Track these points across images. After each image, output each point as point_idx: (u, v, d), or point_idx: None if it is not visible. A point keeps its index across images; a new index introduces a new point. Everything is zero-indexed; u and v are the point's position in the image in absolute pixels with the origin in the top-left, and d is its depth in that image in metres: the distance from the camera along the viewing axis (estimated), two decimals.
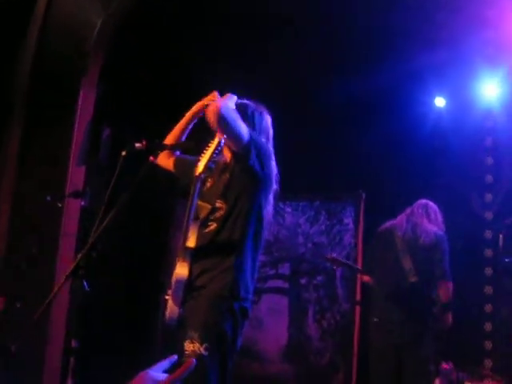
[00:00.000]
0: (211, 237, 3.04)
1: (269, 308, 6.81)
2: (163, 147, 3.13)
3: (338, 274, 6.67)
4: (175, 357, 1.63)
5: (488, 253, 6.34)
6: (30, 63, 5.65)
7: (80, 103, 5.59)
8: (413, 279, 4.69)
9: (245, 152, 2.97)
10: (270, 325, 6.80)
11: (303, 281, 6.84)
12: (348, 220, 6.77)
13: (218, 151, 2.91)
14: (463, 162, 6.71)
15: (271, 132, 3.33)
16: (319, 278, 6.77)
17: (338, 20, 6.12)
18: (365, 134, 6.58)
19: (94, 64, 5.74)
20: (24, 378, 4.99)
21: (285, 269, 6.91)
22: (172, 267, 3.04)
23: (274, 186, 3.21)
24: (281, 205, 6.61)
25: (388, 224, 5.03)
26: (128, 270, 6.46)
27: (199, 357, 2.80)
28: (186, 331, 2.92)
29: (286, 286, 6.90)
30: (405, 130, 6.52)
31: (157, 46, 6.21)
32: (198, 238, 3.02)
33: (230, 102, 3.02)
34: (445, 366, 5.32)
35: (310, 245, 6.85)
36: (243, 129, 2.96)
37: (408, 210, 5.01)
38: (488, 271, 6.30)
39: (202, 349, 2.83)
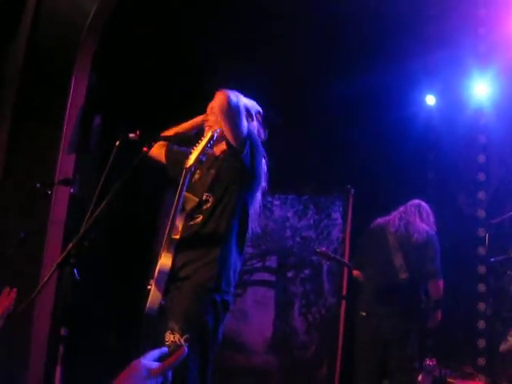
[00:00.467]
0: (197, 229, 3.06)
1: (254, 300, 6.83)
2: (157, 138, 3.13)
3: (324, 268, 6.70)
4: (166, 348, 1.64)
5: (481, 251, 6.38)
6: (23, 50, 5.61)
7: (72, 91, 5.57)
8: (403, 276, 4.73)
9: (240, 146, 3.00)
10: (256, 317, 6.82)
11: (290, 274, 6.87)
12: (336, 215, 6.80)
13: (210, 145, 2.93)
14: (454, 159, 6.76)
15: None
16: (306, 271, 6.80)
17: (332, 19, 6.13)
18: (356, 130, 6.61)
19: (87, 52, 5.72)
20: (9, 365, 4.98)
21: (272, 262, 6.92)
22: (158, 257, 3.05)
23: (263, 184, 3.24)
24: (269, 198, 6.62)
25: (380, 220, 5.06)
26: (116, 260, 6.45)
27: (179, 348, 2.81)
28: (168, 322, 2.92)
29: (273, 278, 6.92)
30: (396, 127, 6.55)
31: (151, 35, 6.19)
32: (184, 230, 3.04)
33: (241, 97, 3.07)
34: (428, 362, 5.37)
35: (297, 238, 6.87)
36: (244, 123, 3.00)
37: (401, 208, 5.04)
38: (481, 269, 6.34)
39: (182, 340, 2.84)
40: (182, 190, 2.97)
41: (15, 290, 2.96)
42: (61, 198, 5.49)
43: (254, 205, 3.21)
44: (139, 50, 6.22)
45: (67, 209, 5.51)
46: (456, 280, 5.83)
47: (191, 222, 3.07)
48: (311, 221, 6.86)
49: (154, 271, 3.02)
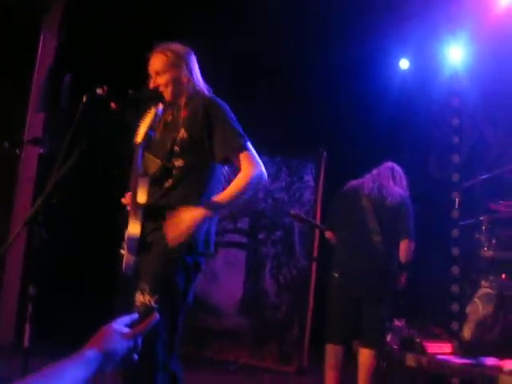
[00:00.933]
0: (166, 193, 3.00)
1: (225, 262, 6.84)
2: (125, 95, 3.08)
3: (296, 230, 6.73)
4: (136, 314, 1.66)
5: (454, 214, 6.45)
6: None
7: (40, 49, 5.48)
8: (376, 238, 4.75)
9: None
10: (226, 278, 6.84)
11: (261, 236, 6.88)
12: (308, 177, 6.80)
13: (156, 120, 2.90)
14: (428, 123, 6.79)
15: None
16: (278, 233, 6.82)
17: None
18: (331, 93, 6.60)
19: (55, 10, 5.62)
20: None
21: (243, 223, 6.92)
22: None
23: None
24: None
25: (354, 183, 5.06)
26: (86, 220, 6.41)
27: (149, 308, 2.79)
28: (138, 283, 2.91)
29: (244, 240, 6.93)
30: (370, 91, 6.55)
31: None
32: (150, 195, 2.98)
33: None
34: (397, 322, 5.45)
35: (269, 200, 6.88)
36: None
37: (374, 171, 5.04)
38: (454, 233, 6.41)
39: (152, 301, 2.82)
40: (136, 167, 2.95)
41: None
42: (30, 158, 5.44)
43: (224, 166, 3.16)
44: (108, 6, 6.11)
45: (37, 168, 5.47)
46: (430, 243, 5.89)
47: (160, 187, 3.01)
48: (283, 183, 6.86)
49: (124, 236, 2.99)
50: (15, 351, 4.77)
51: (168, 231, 2.83)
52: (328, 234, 5.20)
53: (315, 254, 6.61)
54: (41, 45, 5.44)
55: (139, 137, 2.93)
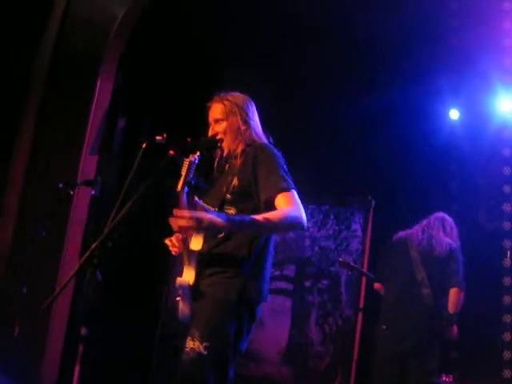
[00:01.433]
0: (221, 241, 2.98)
1: (271, 309, 6.80)
2: (184, 143, 3.12)
3: (342, 279, 6.67)
4: None
5: (506, 262, 6.34)
6: (50, 52, 5.67)
7: (97, 93, 5.62)
8: (425, 290, 4.69)
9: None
10: (272, 326, 6.79)
11: (308, 284, 6.84)
12: (356, 226, 6.77)
13: (192, 169, 2.92)
14: (478, 173, 6.72)
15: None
16: (324, 282, 6.77)
17: (356, 30, 6.13)
18: (380, 143, 6.58)
19: (113, 55, 5.77)
20: (25, 361, 5.01)
21: (289, 271, 6.89)
22: (177, 265, 3.03)
23: None
24: None
25: (402, 233, 5.03)
26: (137, 261, 6.46)
27: (198, 355, 2.79)
28: (190, 328, 2.90)
29: (290, 287, 6.89)
30: (419, 141, 6.52)
31: (178, 38, 6.23)
32: (206, 242, 2.98)
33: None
34: (444, 378, 5.32)
35: (316, 248, 6.85)
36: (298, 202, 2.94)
37: (424, 222, 5.01)
38: (506, 281, 6.29)
39: (201, 347, 2.81)
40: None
41: None
42: (82, 199, 5.53)
43: None
44: (165, 53, 6.26)
45: (88, 210, 5.55)
46: (481, 292, 5.79)
47: (214, 236, 3.00)
48: (330, 231, 6.84)
49: (175, 283, 2.99)
50: None
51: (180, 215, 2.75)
52: (376, 286, 5.16)
53: (362, 304, 6.53)
54: (98, 87, 5.57)
55: (179, 185, 2.95)
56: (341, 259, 5.48)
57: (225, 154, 3.13)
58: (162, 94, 6.33)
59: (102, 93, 5.65)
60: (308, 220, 6.86)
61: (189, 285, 2.94)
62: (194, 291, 2.95)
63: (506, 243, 6.38)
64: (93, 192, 5.12)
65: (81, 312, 3.72)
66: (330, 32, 6.24)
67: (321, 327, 6.68)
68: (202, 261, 2.98)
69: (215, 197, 3.09)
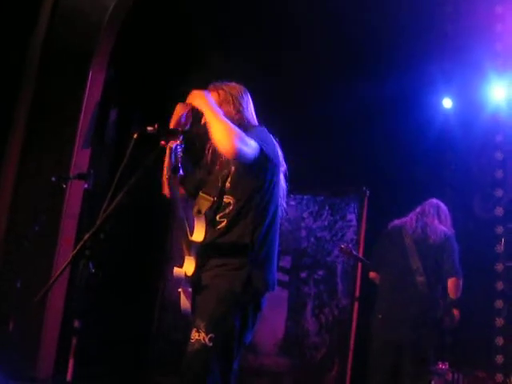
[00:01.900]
0: (222, 233, 2.96)
1: (268, 300, 6.79)
2: (175, 132, 3.09)
3: (338, 269, 6.67)
4: None
5: (498, 249, 6.33)
6: (40, 44, 5.64)
7: (88, 85, 5.59)
8: (420, 279, 4.69)
9: (260, 156, 2.88)
10: (268, 317, 6.77)
11: (303, 275, 6.83)
12: (351, 216, 6.76)
13: (174, 156, 2.88)
14: (471, 160, 6.71)
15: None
16: (320, 272, 6.77)
17: (349, 23, 6.12)
18: (373, 132, 6.58)
19: (105, 46, 5.74)
20: (20, 355, 5.00)
21: (285, 262, 6.89)
22: (175, 257, 3.01)
23: (282, 168, 3.11)
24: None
25: (397, 222, 5.01)
26: (129, 254, 6.45)
27: (203, 346, 2.78)
28: (195, 320, 2.89)
29: (286, 279, 6.89)
30: (412, 130, 6.51)
31: (169, 29, 6.20)
32: (207, 233, 2.95)
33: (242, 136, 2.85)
34: (441, 366, 5.32)
35: (312, 239, 6.85)
36: (254, 145, 2.84)
37: (418, 209, 4.99)
38: (499, 267, 6.29)
39: (206, 339, 2.79)
40: (175, 199, 2.98)
41: None
42: (75, 193, 5.51)
43: (279, 189, 3.09)
44: (156, 45, 6.23)
45: (81, 203, 5.53)
46: (474, 279, 5.78)
47: (215, 227, 2.98)
48: (326, 222, 6.83)
49: (177, 275, 2.98)
50: None
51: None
52: (372, 275, 5.15)
53: (357, 293, 6.53)
54: (89, 81, 5.54)
55: (163, 174, 2.99)
56: (342, 246, 5.43)
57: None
58: (153, 85, 6.30)
59: (94, 85, 5.62)
60: (303, 211, 6.89)
61: (185, 275, 2.92)
62: (193, 282, 2.93)
63: (499, 229, 6.37)
64: (86, 185, 5.10)
65: (74, 305, 3.71)
66: (324, 22, 6.22)
67: (317, 318, 6.68)
68: (205, 252, 2.96)
69: (214, 187, 3.07)
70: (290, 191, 3.25)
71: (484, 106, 6.69)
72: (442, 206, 5.01)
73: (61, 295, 5.43)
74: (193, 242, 2.94)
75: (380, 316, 4.77)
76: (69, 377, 3.13)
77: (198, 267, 2.94)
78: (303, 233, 6.80)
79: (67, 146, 5.50)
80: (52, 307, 5.35)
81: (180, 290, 2.98)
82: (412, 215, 4.98)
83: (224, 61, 6.05)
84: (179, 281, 2.95)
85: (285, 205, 3.20)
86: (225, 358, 2.83)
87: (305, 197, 6.87)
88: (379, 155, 6.75)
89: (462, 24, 6.22)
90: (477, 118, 6.68)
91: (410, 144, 6.60)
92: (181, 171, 2.90)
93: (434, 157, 6.72)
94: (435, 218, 4.90)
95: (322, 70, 6.59)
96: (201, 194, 3.07)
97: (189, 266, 2.94)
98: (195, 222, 2.97)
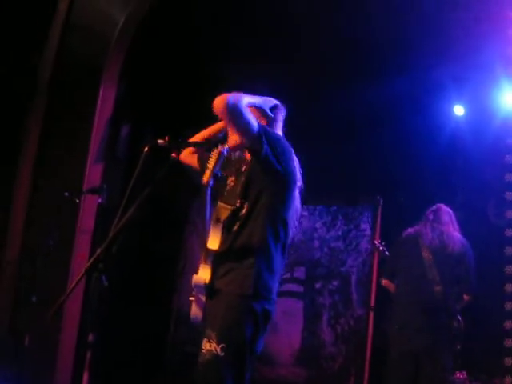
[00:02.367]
0: (234, 237, 2.97)
1: (283, 311, 6.77)
2: (186, 144, 3.10)
3: (353, 279, 6.65)
4: None
5: (508, 269, 6.27)
6: (52, 59, 5.67)
7: (100, 100, 5.61)
8: (437, 288, 4.66)
9: (256, 143, 2.84)
10: (284, 328, 6.77)
11: (318, 285, 6.82)
12: (365, 225, 6.75)
13: (221, 160, 2.88)
14: (482, 167, 6.68)
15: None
16: (334, 283, 6.75)
17: (361, 28, 6.11)
18: (385, 140, 6.55)
19: (115, 61, 5.77)
20: (37, 370, 5.01)
21: (300, 273, 6.88)
22: (189, 266, 3.02)
23: (298, 182, 3.08)
24: None
25: (411, 230, 4.98)
26: (143, 267, 6.46)
27: (215, 357, 2.77)
28: (206, 329, 2.88)
29: (301, 289, 6.87)
30: (424, 137, 6.49)
31: (179, 44, 6.22)
32: (223, 241, 2.97)
33: (241, 96, 2.86)
34: (458, 375, 5.28)
35: (325, 249, 6.83)
36: (252, 120, 2.82)
37: (430, 216, 4.95)
38: (509, 269, 6.23)
39: (218, 349, 2.78)
40: (205, 207, 2.95)
41: None
42: (89, 208, 5.52)
43: (294, 204, 3.07)
44: (167, 59, 6.25)
45: (95, 218, 5.55)
46: (483, 281, 5.75)
47: (230, 232, 2.99)
48: (339, 232, 6.82)
49: (192, 283, 2.98)
50: None
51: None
52: (385, 282, 5.12)
53: (372, 303, 6.49)
54: (101, 96, 5.57)
55: (205, 176, 2.89)
56: (376, 242, 5.37)
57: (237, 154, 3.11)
58: (164, 99, 6.32)
59: (105, 100, 5.64)
60: (316, 221, 6.89)
61: (204, 283, 2.92)
62: (209, 289, 2.93)
63: (508, 232, 6.31)
64: (99, 200, 5.11)
65: (88, 319, 3.71)
66: (332, 27, 6.21)
67: (333, 328, 6.66)
68: (220, 259, 2.96)
69: (232, 196, 3.07)
70: (303, 202, 3.24)
71: (495, 111, 6.66)
72: (450, 210, 4.99)
73: (77, 309, 5.44)
74: (209, 249, 2.95)
75: (397, 327, 4.73)
76: None
77: (213, 275, 2.95)
78: (316, 243, 6.79)
79: (80, 162, 5.52)
80: (68, 320, 5.36)
81: (191, 298, 2.98)
82: (426, 223, 4.94)
83: (236, 73, 6.06)
84: (195, 288, 2.95)
85: (297, 223, 3.18)
86: (237, 368, 2.82)
87: (317, 207, 6.86)
88: (391, 163, 6.74)
89: (474, 29, 6.20)
90: (488, 123, 6.65)
91: (422, 152, 6.58)
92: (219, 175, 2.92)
93: (445, 163, 6.70)
94: (450, 225, 4.88)
95: (331, 77, 6.59)
96: (219, 203, 3.07)
97: (204, 274, 2.94)
98: (211, 230, 2.98)
